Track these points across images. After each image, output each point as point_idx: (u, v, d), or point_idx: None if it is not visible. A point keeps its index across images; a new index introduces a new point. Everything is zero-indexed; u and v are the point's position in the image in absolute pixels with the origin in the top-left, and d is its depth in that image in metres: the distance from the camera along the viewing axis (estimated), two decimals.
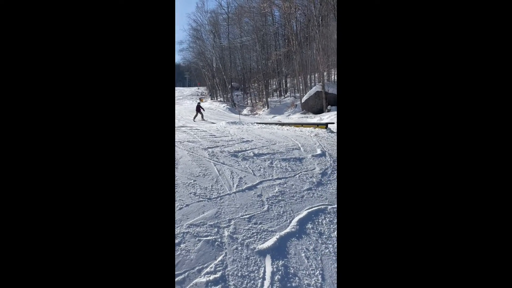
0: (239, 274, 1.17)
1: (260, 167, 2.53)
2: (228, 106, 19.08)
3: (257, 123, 7.60)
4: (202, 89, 29.41)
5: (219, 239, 1.37)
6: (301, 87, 16.14)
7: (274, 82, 21.86)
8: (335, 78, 16.37)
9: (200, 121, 9.78)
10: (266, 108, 17.24)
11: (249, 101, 21.68)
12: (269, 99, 18.91)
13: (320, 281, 1.20)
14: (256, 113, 17.29)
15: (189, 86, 35.91)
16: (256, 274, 1.18)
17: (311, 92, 12.77)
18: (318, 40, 12.11)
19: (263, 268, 1.22)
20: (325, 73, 13.49)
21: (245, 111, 17.99)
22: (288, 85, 20.84)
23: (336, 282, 1.21)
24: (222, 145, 3.26)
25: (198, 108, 10.94)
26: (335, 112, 10.77)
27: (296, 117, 12.54)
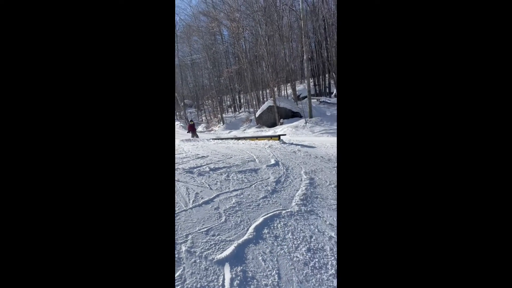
0: (198, 286, 1.17)
1: (217, 181, 2.56)
2: (182, 124, 18.57)
3: (212, 139, 7.59)
4: None
5: (177, 255, 1.36)
6: (254, 102, 16.70)
7: (227, 98, 22.18)
8: (285, 93, 17.40)
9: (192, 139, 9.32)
10: (222, 124, 17.30)
11: (203, 118, 21.48)
12: (224, 115, 19.05)
13: (276, 280, 1.28)
14: (212, 129, 17.19)
15: None
16: (216, 283, 1.20)
17: (264, 107, 13.32)
18: (267, 58, 12.86)
19: (222, 276, 1.25)
20: (275, 89, 14.26)
21: (200, 128, 17.73)
22: (242, 100, 21.34)
23: (291, 279, 1.30)
24: (176, 163, 3.19)
25: (193, 128, 10.53)
26: (287, 125, 11.40)
27: (252, 131, 12.87)
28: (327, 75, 16.39)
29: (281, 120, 12.32)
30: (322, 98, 15.08)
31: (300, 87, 18.22)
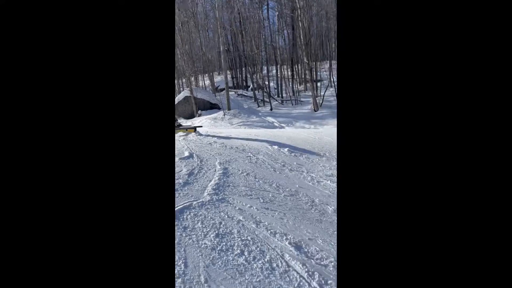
0: None
1: None
2: None
3: None
4: None
5: None
6: None
7: None
8: (203, 84, 17.02)
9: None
10: None
11: None
12: None
13: (183, 269, 1.30)
14: None
15: None
16: None
17: (180, 97, 12.69)
18: (181, 45, 12.19)
19: None
20: (192, 79, 13.76)
21: None
22: None
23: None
24: None
25: None
26: (206, 117, 11.26)
27: None
28: (243, 69, 16.93)
29: (199, 112, 12.06)
30: (240, 91, 15.56)
31: (218, 78, 18.18)
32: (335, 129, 9.23)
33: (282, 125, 10.30)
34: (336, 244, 1.76)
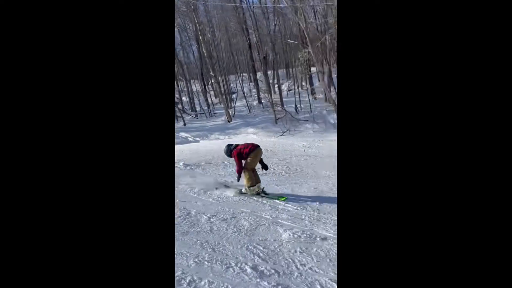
0: None
1: None
2: None
3: None
4: None
5: None
6: None
7: None
8: None
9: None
10: None
11: None
12: None
13: None
14: None
15: None
16: None
17: None
18: None
19: None
20: None
21: None
22: None
23: None
24: None
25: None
26: None
27: None
28: None
29: None
30: None
31: None
32: (247, 136, 9.47)
33: (197, 139, 10.10)
34: (192, 254, 1.71)
